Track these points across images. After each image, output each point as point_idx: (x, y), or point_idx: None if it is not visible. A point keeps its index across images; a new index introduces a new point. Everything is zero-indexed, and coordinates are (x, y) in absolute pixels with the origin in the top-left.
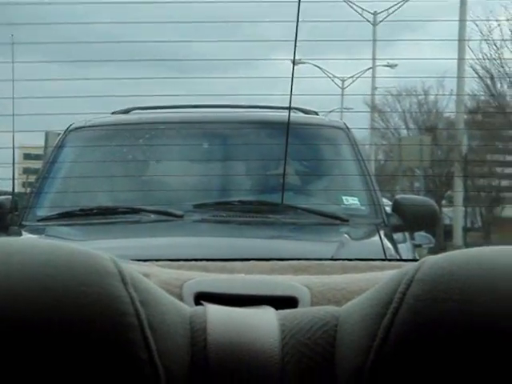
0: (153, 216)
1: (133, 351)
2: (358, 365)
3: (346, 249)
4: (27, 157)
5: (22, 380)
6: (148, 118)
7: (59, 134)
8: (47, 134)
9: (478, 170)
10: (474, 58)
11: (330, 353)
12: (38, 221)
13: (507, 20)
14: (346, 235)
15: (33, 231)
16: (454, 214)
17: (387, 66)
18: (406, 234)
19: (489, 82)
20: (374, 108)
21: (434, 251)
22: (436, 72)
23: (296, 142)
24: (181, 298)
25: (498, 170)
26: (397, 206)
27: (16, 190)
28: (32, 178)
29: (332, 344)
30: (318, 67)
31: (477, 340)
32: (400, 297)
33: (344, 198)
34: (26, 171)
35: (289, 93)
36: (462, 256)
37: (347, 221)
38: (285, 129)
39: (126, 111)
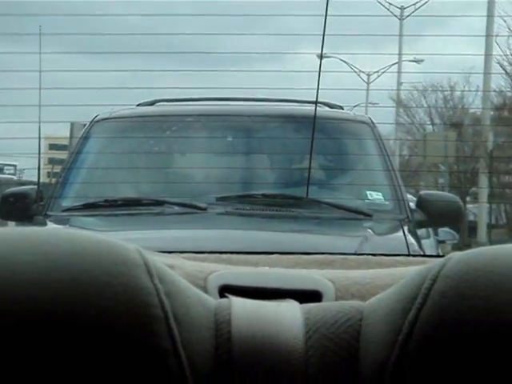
0: (176, 208)
1: (157, 342)
2: (382, 360)
3: (369, 244)
4: (52, 147)
5: (47, 369)
6: (173, 110)
7: (84, 125)
8: (72, 125)
9: (504, 166)
10: (502, 53)
11: (354, 347)
12: (63, 211)
13: None
14: (369, 230)
15: (57, 221)
16: (479, 211)
17: (413, 61)
18: (430, 229)
19: None
20: (399, 103)
21: (457, 247)
22: (462, 68)
23: (321, 137)
24: (205, 290)
25: None
26: (421, 202)
27: (41, 180)
28: (57, 169)
29: (356, 338)
30: (344, 62)
31: (502, 337)
32: (425, 292)
33: (368, 192)
34: (51, 161)
35: (314, 87)
36: (488, 252)
37: (371, 216)
38: (310, 123)
39: (152, 103)
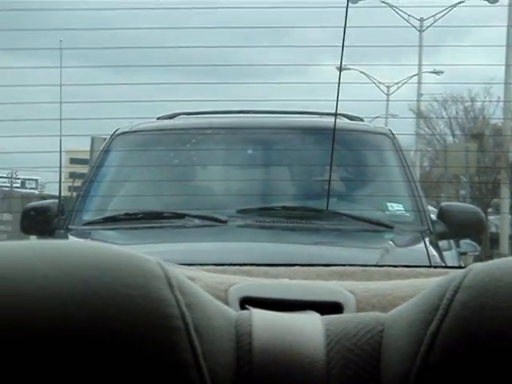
0: (197, 221)
1: (178, 354)
2: (404, 371)
3: (390, 255)
4: (73, 161)
5: (67, 379)
6: (193, 123)
7: (105, 139)
8: (93, 139)
9: None
10: None
11: (375, 359)
12: (84, 225)
13: None
14: (390, 242)
15: (79, 235)
16: (501, 222)
17: (433, 72)
18: (452, 241)
19: None
20: (419, 114)
21: (479, 259)
22: (483, 78)
23: (341, 148)
24: (226, 302)
25: None
26: (442, 213)
27: (62, 194)
28: (78, 183)
29: (378, 350)
30: (364, 73)
31: None
32: (447, 303)
33: (389, 204)
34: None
35: (334, 99)
36: (509, 263)
37: (392, 227)
38: (330, 135)
39: (172, 116)
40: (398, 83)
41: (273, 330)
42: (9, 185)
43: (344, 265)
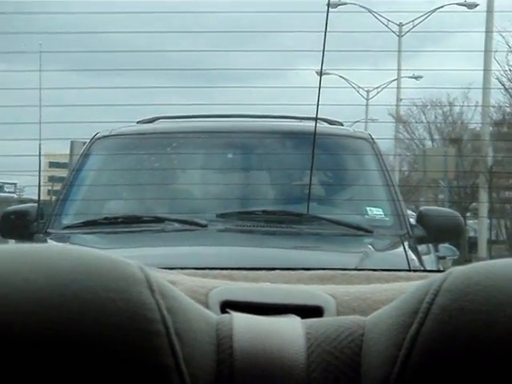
0: (177, 225)
1: (159, 358)
2: (383, 374)
3: (369, 260)
4: (52, 165)
5: (46, 383)
6: (173, 127)
7: (84, 143)
8: (73, 143)
9: (504, 181)
10: (500, 69)
11: (355, 362)
12: (63, 228)
13: None
14: (370, 246)
15: (58, 239)
16: (479, 226)
17: (412, 77)
18: (431, 245)
19: None
20: (398, 119)
21: (458, 263)
22: (461, 83)
23: (321, 153)
24: (207, 305)
25: None
26: (421, 218)
27: (41, 198)
28: (57, 186)
29: (358, 353)
30: (343, 78)
31: (503, 351)
32: (426, 307)
33: (368, 208)
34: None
35: (313, 103)
36: (488, 267)
37: (371, 232)
38: (309, 139)
39: (152, 120)
40: (377, 88)
41: (254, 334)
42: None
43: (324, 269)
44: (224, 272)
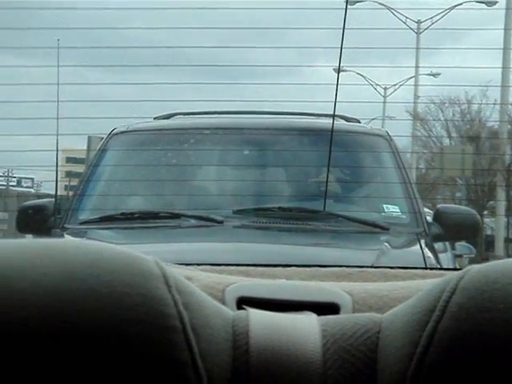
0: (193, 221)
1: (175, 353)
2: (400, 372)
3: (386, 257)
4: (69, 160)
5: (64, 380)
6: (190, 123)
7: (102, 139)
8: (90, 138)
9: None
10: None
11: (372, 359)
12: (80, 224)
13: None
14: (386, 244)
15: (75, 234)
16: (496, 225)
17: (430, 74)
18: (447, 243)
19: None
20: (416, 116)
21: (475, 261)
22: (480, 81)
23: (338, 150)
24: (223, 302)
25: None
26: (438, 215)
27: (58, 193)
28: (74, 182)
29: (374, 350)
30: (361, 75)
31: None
32: (443, 305)
33: (385, 206)
34: (69, 174)
35: (331, 100)
36: (505, 265)
37: (388, 229)
38: (326, 136)
39: (169, 116)
40: (395, 85)
41: (270, 330)
42: (5, 183)
43: (341, 266)
44: (240, 268)
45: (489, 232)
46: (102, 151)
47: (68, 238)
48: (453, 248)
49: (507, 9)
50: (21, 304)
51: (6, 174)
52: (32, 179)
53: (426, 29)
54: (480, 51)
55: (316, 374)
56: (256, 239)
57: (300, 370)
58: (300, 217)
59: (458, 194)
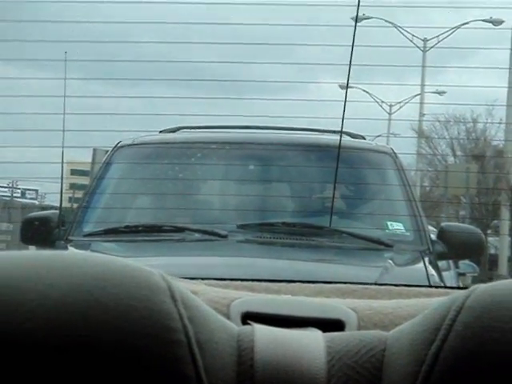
0: (197, 235)
1: (180, 367)
2: None
3: (389, 274)
4: (74, 172)
5: None
6: (195, 137)
7: (107, 151)
8: (95, 151)
9: None
10: None
11: (376, 377)
12: (84, 236)
13: None
14: (390, 261)
15: (79, 246)
16: (500, 244)
17: (436, 92)
18: (451, 262)
19: None
20: (421, 134)
21: (478, 280)
22: (485, 100)
23: (343, 166)
24: (228, 316)
25: None
26: (442, 234)
27: (63, 205)
28: (78, 194)
29: (379, 368)
30: (367, 92)
31: None
32: (449, 323)
33: (389, 223)
34: (73, 186)
35: (335, 116)
36: (511, 285)
37: (392, 246)
38: (332, 152)
39: (174, 130)
40: (400, 102)
41: (275, 346)
42: (9, 195)
43: (345, 282)
44: (245, 283)
45: (492, 251)
46: (107, 164)
47: (72, 250)
48: (456, 266)
49: None
50: (27, 315)
51: (10, 184)
52: (36, 191)
53: (432, 47)
54: (486, 70)
55: None
56: (260, 254)
57: None
58: (304, 232)
59: (462, 213)
